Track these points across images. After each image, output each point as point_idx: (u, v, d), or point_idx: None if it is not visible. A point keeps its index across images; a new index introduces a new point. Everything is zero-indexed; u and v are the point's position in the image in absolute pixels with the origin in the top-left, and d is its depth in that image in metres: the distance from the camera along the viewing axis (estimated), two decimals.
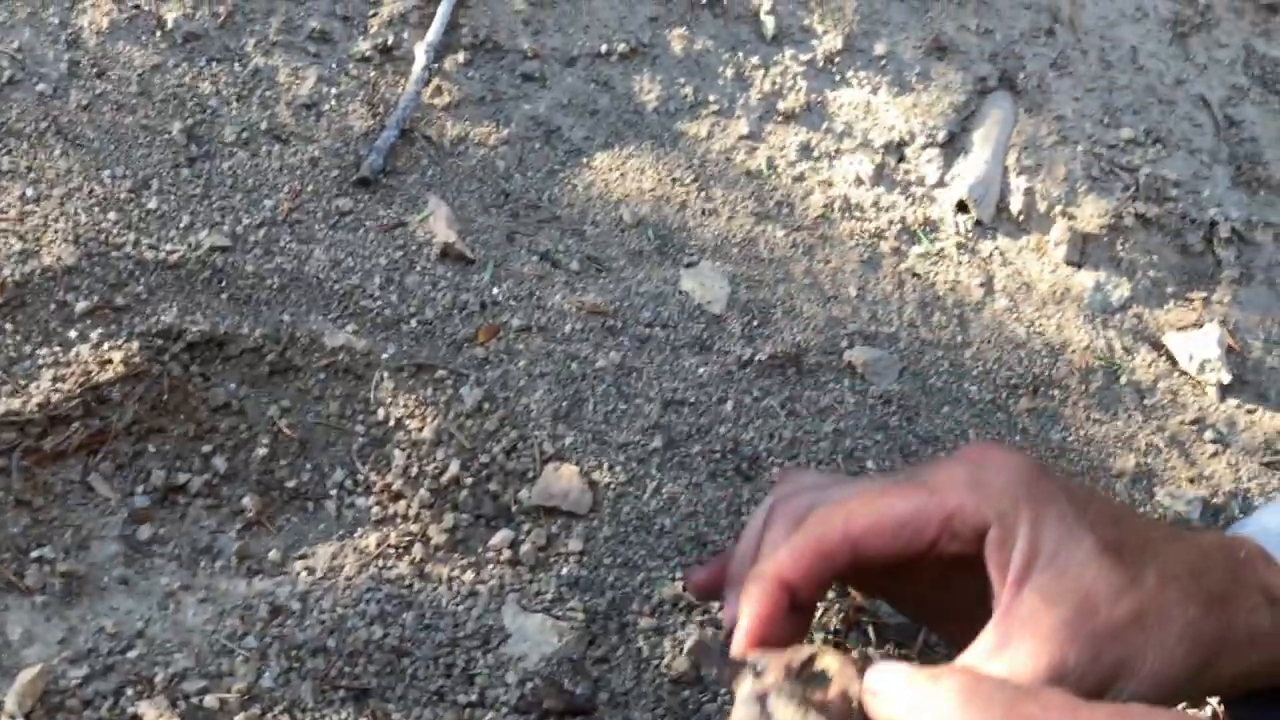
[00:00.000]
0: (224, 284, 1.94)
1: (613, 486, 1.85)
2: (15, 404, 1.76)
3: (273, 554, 1.75)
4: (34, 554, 1.69)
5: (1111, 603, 1.04)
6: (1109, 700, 1.02)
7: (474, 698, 1.65)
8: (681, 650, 1.71)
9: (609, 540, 1.81)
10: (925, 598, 1.22)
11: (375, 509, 1.81)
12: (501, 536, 1.79)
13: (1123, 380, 2.15)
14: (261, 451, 1.83)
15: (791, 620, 1.14)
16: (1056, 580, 1.05)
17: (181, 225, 1.98)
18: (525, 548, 1.78)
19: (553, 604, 1.74)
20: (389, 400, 1.89)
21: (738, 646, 1.13)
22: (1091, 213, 2.31)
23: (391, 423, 1.87)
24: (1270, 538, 1.23)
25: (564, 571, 1.77)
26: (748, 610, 1.13)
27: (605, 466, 1.87)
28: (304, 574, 1.74)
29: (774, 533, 1.20)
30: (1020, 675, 1.01)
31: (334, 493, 1.82)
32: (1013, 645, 1.03)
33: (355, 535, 1.78)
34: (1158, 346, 2.20)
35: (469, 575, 1.75)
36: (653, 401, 1.95)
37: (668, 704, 1.66)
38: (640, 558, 1.80)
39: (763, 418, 1.97)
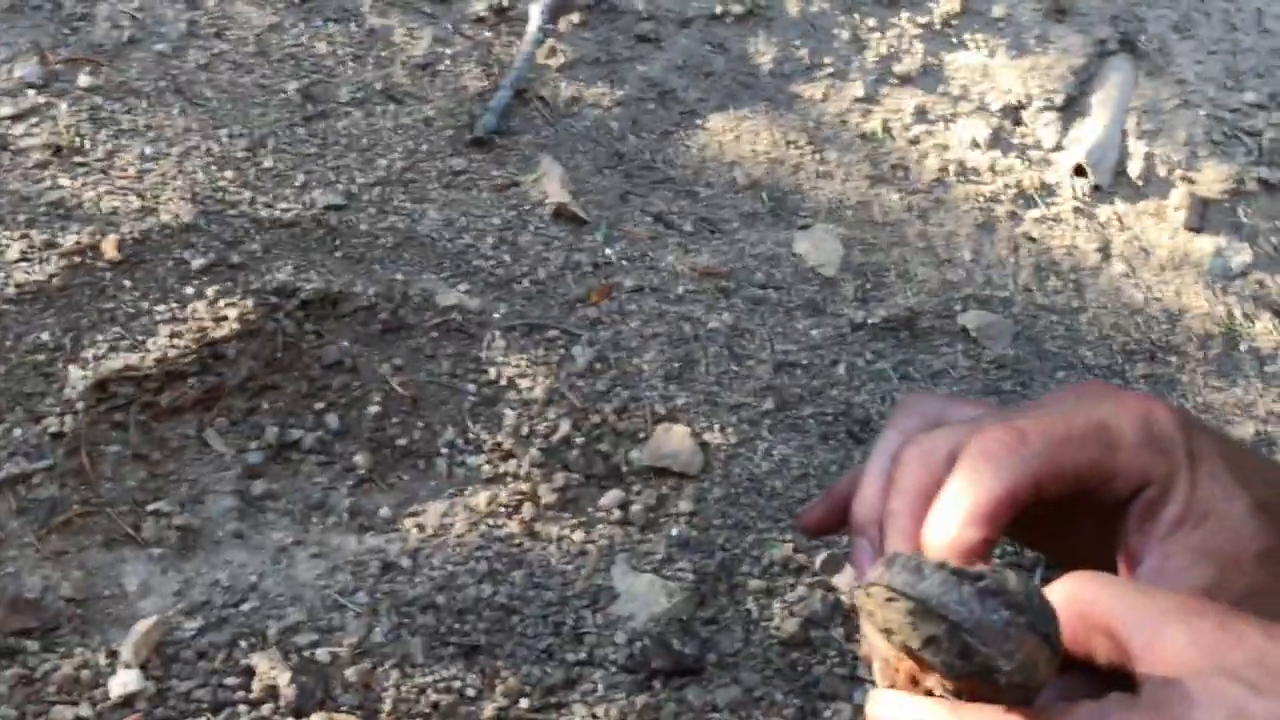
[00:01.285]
0: (338, 242, 1.95)
1: (724, 448, 1.85)
2: (133, 359, 1.78)
3: (384, 511, 1.76)
4: (150, 507, 1.71)
5: (1255, 567, 1.02)
6: None
7: (583, 656, 1.65)
8: (792, 612, 1.70)
9: (719, 501, 1.80)
10: (1040, 531, 1.19)
11: (486, 468, 1.81)
12: (612, 496, 1.79)
13: (1243, 347, 2.11)
14: (374, 409, 1.84)
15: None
16: (1205, 540, 1.02)
17: (297, 184, 1.99)
18: (635, 508, 1.78)
19: (662, 564, 1.74)
20: (500, 359, 1.89)
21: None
22: (1213, 177, 2.28)
23: (503, 382, 1.88)
24: None
25: (674, 532, 1.77)
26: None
27: (716, 428, 1.87)
28: (415, 531, 1.75)
29: (909, 479, 1.15)
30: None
31: (445, 451, 1.83)
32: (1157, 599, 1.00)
33: (466, 493, 1.79)
34: (1279, 313, 2.17)
35: (579, 535, 1.75)
36: (765, 363, 1.94)
37: (776, 665, 1.65)
38: (751, 519, 1.79)
39: (875, 381, 1.95)
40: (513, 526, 1.76)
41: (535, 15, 2.25)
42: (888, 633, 0.87)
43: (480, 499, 1.78)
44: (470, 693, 1.61)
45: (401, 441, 1.83)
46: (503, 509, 1.77)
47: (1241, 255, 2.23)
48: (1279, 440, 2.01)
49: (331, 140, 2.06)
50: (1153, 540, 1.06)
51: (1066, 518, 1.15)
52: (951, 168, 2.23)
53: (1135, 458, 1.08)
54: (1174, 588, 1.01)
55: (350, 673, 1.60)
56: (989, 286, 2.10)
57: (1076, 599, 0.88)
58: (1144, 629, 0.89)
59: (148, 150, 1.98)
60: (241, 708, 1.56)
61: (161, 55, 2.09)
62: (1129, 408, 1.12)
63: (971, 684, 0.87)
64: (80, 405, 1.74)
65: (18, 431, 1.71)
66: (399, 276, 1.94)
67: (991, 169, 2.25)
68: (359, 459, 1.80)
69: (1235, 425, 2.01)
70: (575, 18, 2.27)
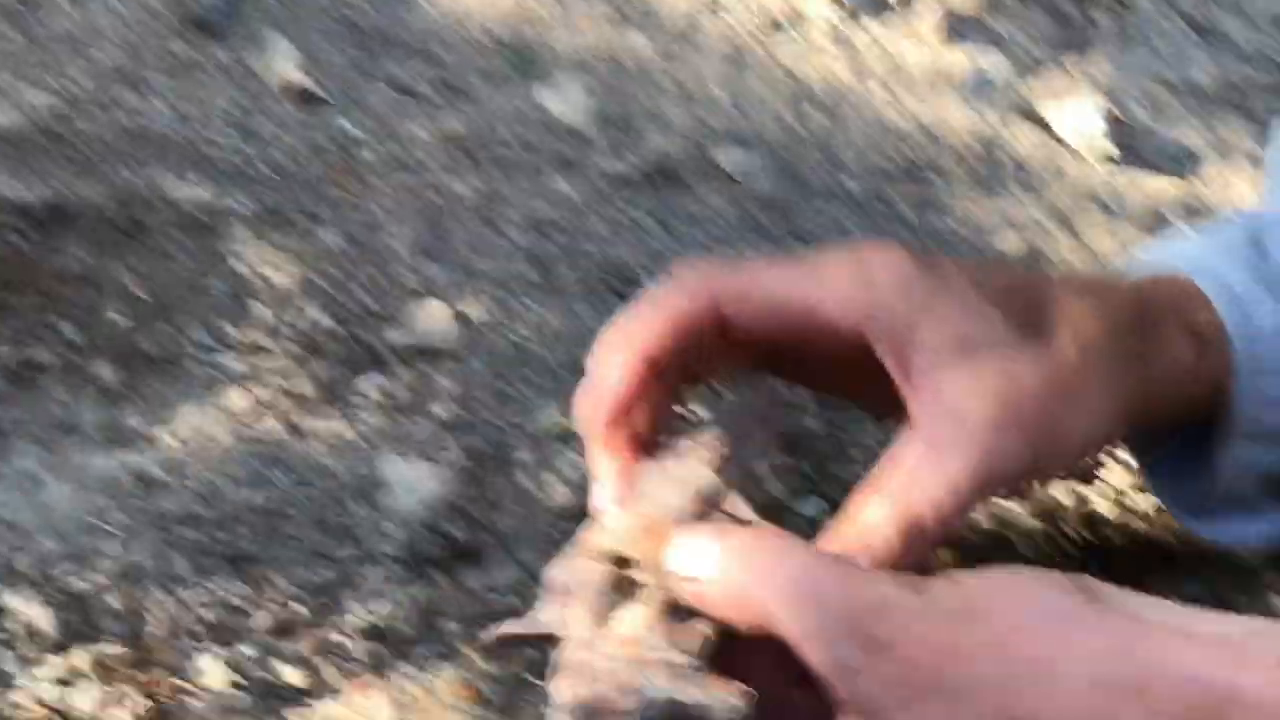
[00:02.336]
0: (61, 147, 1.86)
1: (483, 319, 1.80)
2: None
3: (135, 423, 1.69)
4: None
5: (1033, 380, 0.99)
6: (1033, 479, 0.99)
7: (355, 552, 1.60)
8: (566, 482, 1.67)
9: (483, 375, 1.75)
10: (825, 375, 1.15)
11: (239, 366, 1.74)
12: (372, 382, 1.73)
13: (1004, 159, 2.10)
14: (116, 318, 1.76)
15: (655, 390, 1.08)
16: (971, 369, 0.99)
17: (10, 89, 1.90)
18: (397, 392, 1.73)
19: (429, 447, 1.69)
20: (245, 252, 1.82)
21: (592, 416, 1.07)
22: None
23: (250, 275, 1.81)
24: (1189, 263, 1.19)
25: (439, 412, 1.72)
26: (603, 381, 1.06)
27: (474, 299, 1.81)
28: (170, 441, 1.68)
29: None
30: (956, 480, 0.95)
31: (195, 353, 1.76)
32: (942, 450, 0.96)
33: (220, 396, 1.72)
34: (1038, 121, 2.16)
35: (341, 426, 1.70)
36: (519, 226, 1.89)
37: (555, 539, 1.60)
38: (517, 390, 1.75)
39: (634, 232, 1.91)
40: (272, 425, 1.70)
41: None
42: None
43: (236, 400, 1.71)
44: (241, 603, 1.56)
45: (148, 349, 1.76)
46: (260, 407, 1.71)
47: (997, 66, 2.21)
48: (1046, 250, 2.00)
49: (44, 38, 1.96)
50: (917, 384, 1.02)
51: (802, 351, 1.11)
52: (699, 4, 2.17)
53: (849, 293, 1.04)
54: (958, 428, 0.98)
55: (113, 599, 1.53)
56: (745, 124, 2.06)
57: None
58: None
59: None
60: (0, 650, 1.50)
61: None
62: (848, 250, 1.08)
63: None
64: None
65: None
66: (130, 176, 1.85)
67: (740, 2, 2.20)
68: (104, 372, 1.72)
69: (1002, 239, 2.00)
70: None
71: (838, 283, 1.03)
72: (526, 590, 1.59)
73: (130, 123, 1.90)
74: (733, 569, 0.85)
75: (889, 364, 1.02)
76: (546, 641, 0.97)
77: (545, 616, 0.95)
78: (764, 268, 1.09)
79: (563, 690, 0.91)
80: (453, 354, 1.76)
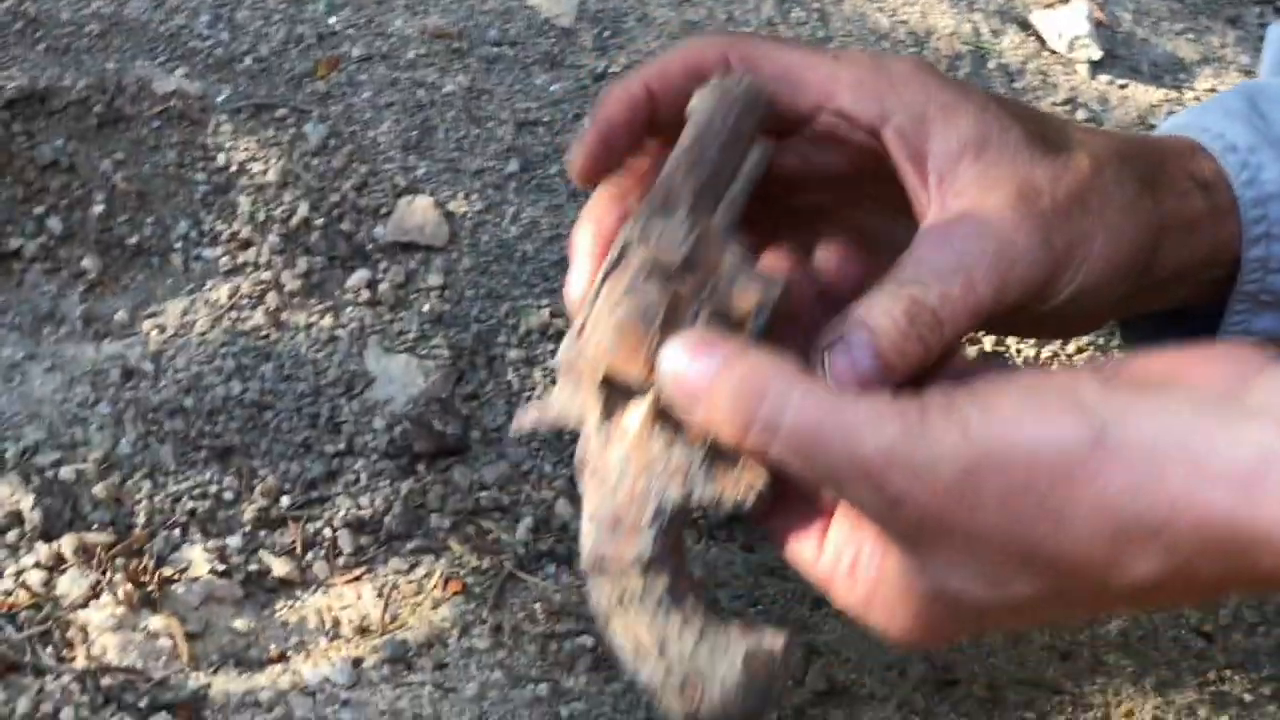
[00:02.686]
0: (39, 34, 1.84)
1: (470, 215, 1.78)
2: None
3: (120, 315, 1.68)
4: None
5: (1053, 185, 0.97)
6: (1060, 297, 0.97)
7: (342, 446, 1.59)
8: (553, 380, 1.66)
9: (470, 272, 1.74)
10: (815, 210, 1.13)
11: (224, 259, 1.73)
12: (358, 277, 1.72)
13: (991, 65, 2.08)
14: (98, 209, 1.74)
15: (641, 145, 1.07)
16: (991, 167, 0.97)
17: None
18: (383, 287, 1.71)
19: (416, 343, 1.68)
20: (229, 144, 1.80)
21: (577, 164, 1.05)
22: None
23: (234, 168, 1.79)
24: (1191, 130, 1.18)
25: (425, 308, 1.70)
26: (594, 118, 1.03)
27: (461, 195, 1.80)
28: (155, 333, 1.67)
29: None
30: (970, 270, 0.93)
31: (179, 246, 1.74)
32: (957, 240, 0.94)
33: (205, 288, 1.71)
34: (1025, 26, 2.14)
35: (327, 320, 1.68)
36: (506, 124, 1.87)
37: (541, 435, 1.61)
38: (504, 287, 1.74)
39: None
40: (258, 318, 1.68)
41: None
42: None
43: (221, 293, 1.70)
44: (227, 496, 1.55)
45: (131, 240, 1.74)
46: (245, 300, 1.70)
47: None
48: None
49: None
50: (936, 176, 1.00)
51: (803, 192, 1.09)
52: None
53: (864, 79, 1.02)
54: (977, 216, 0.96)
55: (98, 489, 1.52)
56: (731, 24, 2.04)
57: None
58: None
59: None
60: None
61: None
62: (862, 52, 1.07)
63: None
64: None
65: None
66: (110, 65, 1.83)
67: None
68: (87, 263, 1.71)
69: None
70: None
71: (858, 72, 1.01)
72: (514, 485, 1.60)
73: (110, 10, 1.88)
74: (736, 415, 0.83)
75: (902, 160, 0.99)
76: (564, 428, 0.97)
77: (559, 401, 0.95)
78: (783, 44, 1.06)
79: (586, 498, 0.92)
80: (440, 250, 1.75)
